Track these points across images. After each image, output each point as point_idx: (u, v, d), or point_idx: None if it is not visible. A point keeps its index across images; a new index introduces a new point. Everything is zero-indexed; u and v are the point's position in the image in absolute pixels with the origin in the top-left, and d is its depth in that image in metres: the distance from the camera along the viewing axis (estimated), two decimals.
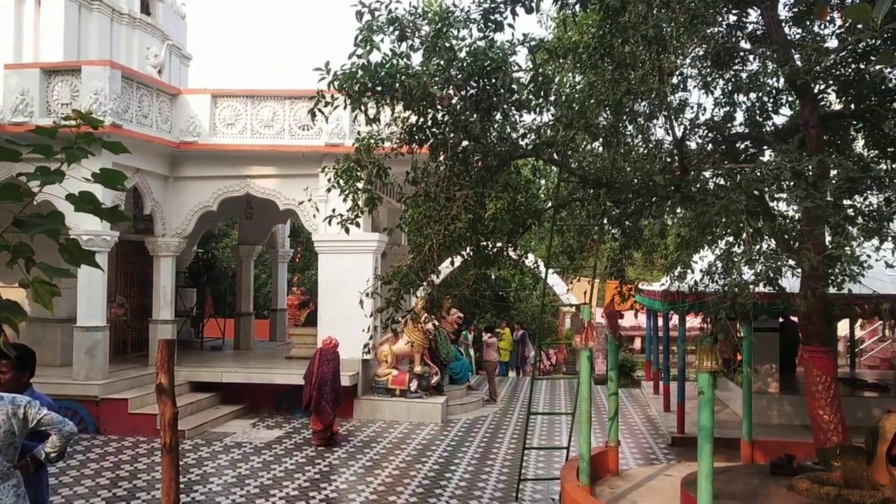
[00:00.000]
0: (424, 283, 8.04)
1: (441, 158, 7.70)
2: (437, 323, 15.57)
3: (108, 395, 13.22)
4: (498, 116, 7.57)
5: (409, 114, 7.57)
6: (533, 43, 7.45)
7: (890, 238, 7.17)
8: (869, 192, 7.52)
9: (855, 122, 9.48)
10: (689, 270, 9.05)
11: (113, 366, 14.35)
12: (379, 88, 7.03)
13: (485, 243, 8.42)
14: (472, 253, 8.53)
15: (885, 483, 8.15)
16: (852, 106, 8.98)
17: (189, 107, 15.22)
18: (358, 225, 7.84)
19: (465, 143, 7.68)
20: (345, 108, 7.18)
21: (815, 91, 8.65)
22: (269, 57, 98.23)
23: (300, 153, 15.04)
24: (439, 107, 7.39)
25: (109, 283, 14.52)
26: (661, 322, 18.63)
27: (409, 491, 9.79)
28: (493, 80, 6.94)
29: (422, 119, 7.51)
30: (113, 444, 12.23)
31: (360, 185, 7.52)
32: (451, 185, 7.28)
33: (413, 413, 14.74)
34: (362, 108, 7.08)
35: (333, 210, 7.69)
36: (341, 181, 7.50)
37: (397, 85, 6.90)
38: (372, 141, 7.52)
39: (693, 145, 9.27)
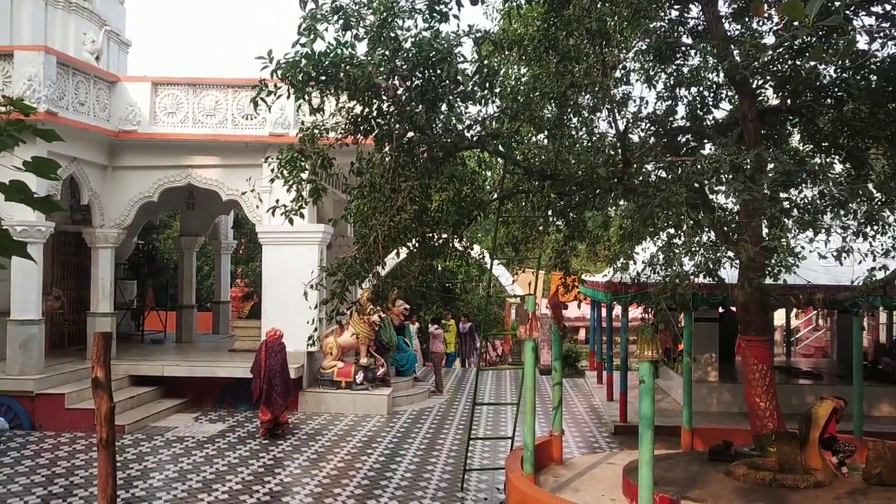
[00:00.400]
0: (370, 275, 8.02)
1: (386, 149, 7.68)
2: (382, 315, 15.55)
3: (44, 389, 12.88)
4: (443, 108, 7.58)
5: (353, 104, 7.53)
6: (478, 34, 7.47)
7: (823, 230, 7.38)
8: (804, 185, 7.72)
9: (791, 117, 9.74)
10: (631, 262, 9.19)
11: (49, 360, 13.98)
12: (323, 78, 6.97)
13: (430, 234, 8.43)
14: (417, 244, 8.53)
15: (817, 467, 8.43)
16: (788, 101, 9.22)
17: (128, 94, 14.86)
18: (302, 216, 7.77)
19: (410, 133, 7.68)
20: (288, 97, 7.10)
21: (753, 86, 8.86)
22: (212, 45, 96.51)
23: (244, 143, 14.83)
24: (384, 97, 7.37)
25: (45, 275, 14.14)
26: (604, 313, 18.92)
27: (354, 483, 9.77)
28: (439, 71, 6.94)
29: (367, 109, 7.47)
30: (49, 441, 11.93)
31: (304, 175, 7.46)
32: (396, 176, 7.27)
33: (359, 405, 14.69)
34: (306, 97, 7.02)
35: (277, 201, 7.61)
36: (285, 171, 7.43)
37: (342, 75, 6.86)
38: (316, 131, 7.46)
39: (636, 138, 9.42)
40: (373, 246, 7.26)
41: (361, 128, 7.58)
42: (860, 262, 8.31)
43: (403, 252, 9.30)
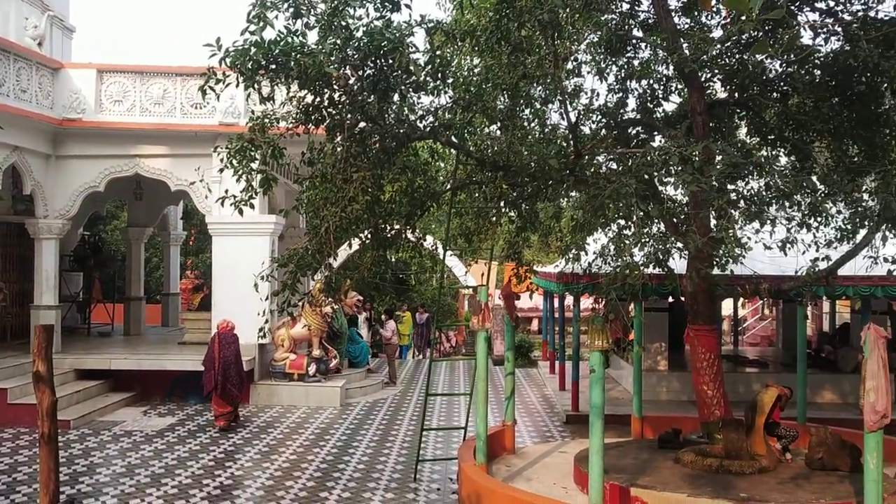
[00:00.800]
0: (322, 266, 7.97)
1: (338, 139, 7.63)
2: (335, 306, 15.46)
3: None
4: (396, 98, 7.54)
5: (304, 93, 7.45)
6: (430, 24, 7.45)
7: (769, 221, 7.54)
8: (750, 177, 7.87)
9: (738, 110, 9.92)
10: (583, 252, 9.27)
11: None
12: (273, 67, 6.88)
13: (383, 225, 8.40)
14: (370, 235, 8.49)
15: (762, 453, 8.64)
16: (736, 94, 9.39)
17: (73, 82, 14.49)
18: (252, 206, 7.68)
19: (362, 124, 7.63)
20: (237, 86, 6.99)
21: (702, 79, 8.99)
22: (161, 32, 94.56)
23: (192, 132, 14.57)
24: (336, 87, 7.31)
25: None
26: (557, 303, 19.08)
27: (306, 475, 9.72)
28: (391, 61, 6.90)
29: (318, 99, 7.41)
30: None
31: (254, 165, 7.36)
32: (348, 167, 7.23)
33: (311, 397, 14.61)
34: (256, 86, 6.92)
35: (226, 191, 7.51)
36: (235, 161, 7.33)
37: (292, 63, 6.78)
38: (266, 120, 7.37)
39: (587, 130, 9.49)
40: (324, 237, 7.20)
41: (312, 117, 7.51)
42: (804, 253, 8.52)
43: (356, 243, 9.25)
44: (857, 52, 8.06)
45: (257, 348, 14.44)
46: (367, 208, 7.34)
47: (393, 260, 22.69)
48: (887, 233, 8.23)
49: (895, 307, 16.17)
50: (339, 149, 7.48)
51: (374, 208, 7.76)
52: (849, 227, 8.69)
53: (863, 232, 8.37)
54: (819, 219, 8.42)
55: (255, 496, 8.84)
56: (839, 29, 8.31)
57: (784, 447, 9.03)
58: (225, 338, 12.76)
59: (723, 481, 8.03)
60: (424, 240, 9.46)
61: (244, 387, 12.96)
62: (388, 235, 8.65)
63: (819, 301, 20.75)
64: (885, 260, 8.27)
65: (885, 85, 8.36)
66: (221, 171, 7.56)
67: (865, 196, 8.48)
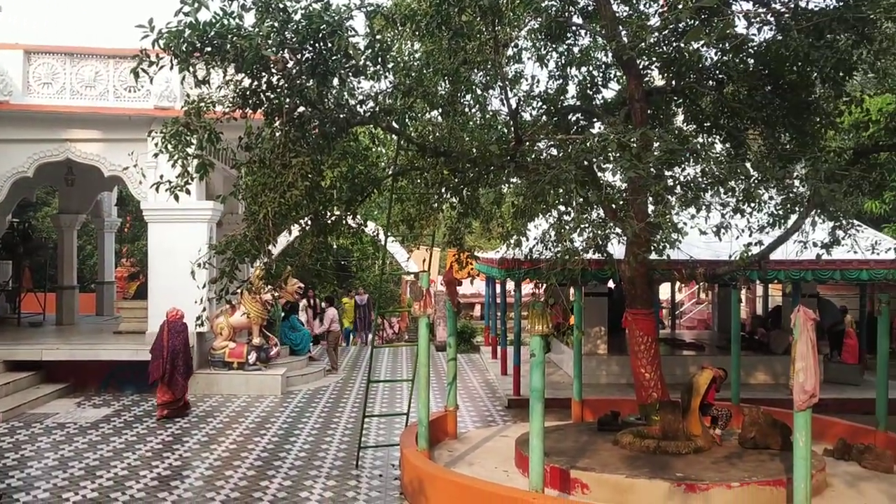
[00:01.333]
0: (261, 253, 7.86)
1: (276, 124, 7.51)
2: (276, 294, 15.29)
3: None
4: (335, 82, 7.45)
5: (241, 77, 7.31)
6: (370, 8, 7.38)
7: (704, 207, 7.70)
8: (687, 163, 8.01)
9: (675, 98, 10.09)
10: (524, 238, 9.33)
11: None
12: (208, 49, 6.74)
13: (323, 211, 8.32)
14: (309, 221, 8.41)
15: (697, 434, 8.87)
16: (673, 82, 9.54)
17: None
18: (188, 192, 7.52)
19: (301, 108, 7.53)
20: (171, 68, 6.82)
21: (640, 67, 9.11)
22: (94, 12, 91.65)
23: (126, 116, 14.20)
24: (274, 70, 7.19)
25: None
26: (499, 289, 19.22)
27: (247, 464, 9.61)
28: (330, 45, 6.82)
29: (255, 83, 7.28)
30: None
31: (190, 150, 7.20)
32: (286, 152, 7.12)
33: (252, 386, 14.44)
34: (190, 69, 6.76)
35: (161, 176, 7.34)
36: (170, 146, 7.16)
37: (228, 46, 6.64)
38: (202, 104, 7.21)
39: (528, 117, 9.55)
40: (263, 223, 7.10)
41: (250, 101, 7.38)
42: (737, 238, 8.72)
43: (296, 230, 9.15)
44: (789, 41, 8.27)
45: (196, 337, 14.20)
46: (306, 194, 7.26)
47: (335, 247, 22.57)
48: (816, 218, 8.48)
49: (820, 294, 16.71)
50: (277, 134, 7.37)
51: (314, 194, 7.68)
52: (780, 212, 8.94)
53: (794, 217, 8.61)
54: (752, 205, 8.63)
55: (193, 486, 8.71)
56: (772, 18, 8.49)
57: (716, 426, 9.30)
58: (174, 326, 12.57)
59: (660, 462, 8.22)
60: (365, 226, 9.41)
61: (190, 375, 12.83)
62: (329, 222, 8.57)
63: (752, 285, 21.33)
64: (815, 245, 8.52)
65: (815, 74, 8.61)
66: (156, 155, 7.38)
67: (796, 182, 8.73)
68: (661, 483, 7.54)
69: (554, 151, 8.70)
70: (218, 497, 8.31)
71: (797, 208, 8.45)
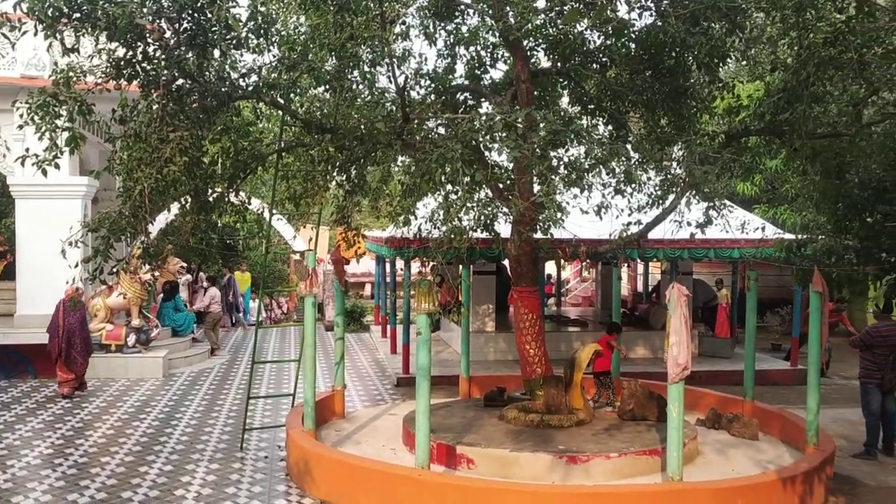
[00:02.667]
0: (139, 231, 7.55)
1: (153, 96, 7.20)
2: (156, 274, 14.74)
3: None
4: (216, 54, 7.21)
5: (115, 46, 6.97)
6: None
7: (587, 187, 7.91)
8: (571, 144, 8.20)
9: (561, 80, 10.29)
10: (412, 217, 9.35)
11: None
12: (77, 15, 6.38)
13: (204, 188, 8.06)
14: (189, 198, 8.14)
15: (579, 407, 9.17)
16: (559, 64, 9.73)
17: None
18: (58, 167, 7.12)
19: (179, 81, 7.25)
20: (36, 34, 6.43)
21: (527, 48, 9.24)
22: None
23: None
24: (150, 40, 6.88)
25: None
26: (388, 268, 19.22)
27: (125, 450, 9.28)
28: (209, 15, 6.58)
29: (130, 53, 6.95)
30: None
31: (59, 122, 6.82)
32: (164, 126, 6.85)
33: (131, 369, 13.92)
34: (57, 36, 6.39)
35: (27, 150, 6.92)
36: (37, 118, 6.76)
37: (99, 13, 6.31)
38: (72, 74, 6.83)
39: (416, 95, 9.53)
40: (139, 200, 6.82)
41: (124, 72, 7.05)
42: (617, 217, 9.02)
43: (176, 207, 8.84)
44: (667, 27, 8.57)
45: None
46: (185, 170, 7.00)
47: (220, 225, 21.92)
48: (691, 198, 8.86)
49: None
50: (154, 106, 7.07)
51: (194, 170, 7.42)
52: (658, 193, 9.31)
53: (671, 198, 8.97)
54: (632, 185, 8.95)
55: (66, 475, 8.35)
56: (651, 4, 8.77)
57: (609, 400, 9.75)
58: (68, 305, 12.41)
59: (543, 435, 8.46)
60: (250, 203, 9.19)
61: (89, 354, 12.72)
62: (210, 199, 8.32)
63: (633, 263, 22.11)
64: (689, 224, 8.90)
65: (692, 60, 8.96)
66: (21, 127, 6.97)
67: (674, 164, 9.10)
68: (544, 456, 7.76)
69: (442, 130, 8.73)
70: (93, 485, 8.00)
71: (674, 189, 8.82)
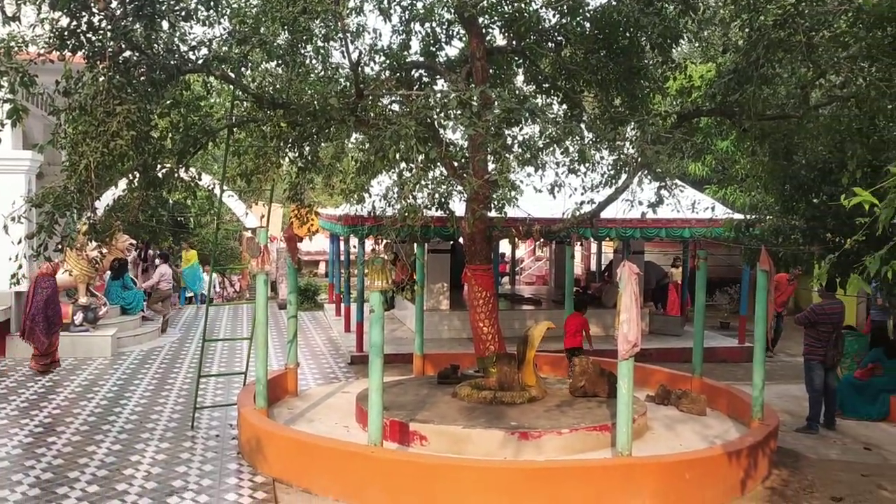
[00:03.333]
0: (85, 207, 7.38)
1: (99, 68, 7.01)
2: (104, 251, 14.45)
3: None
4: (164, 26, 7.05)
5: (59, 15, 6.77)
6: None
7: (541, 166, 7.94)
8: (525, 123, 8.22)
9: (516, 58, 10.29)
10: (366, 195, 9.30)
11: None
12: None
13: (152, 163, 7.90)
14: (138, 174, 7.97)
15: (532, 384, 9.27)
16: (514, 42, 9.72)
17: None
18: None
19: (127, 52, 7.08)
20: None
21: (482, 25, 9.21)
22: None
23: None
24: (95, 10, 6.70)
25: None
26: (342, 246, 19.13)
27: (72, 429, 9.13)
28: None
29: (74, 23, 6.76)
30: None
31: (0, 94, 6.62)
32: (110, 99, 6.68)
33: (79, 348, 13.66)
34: None
35: None
36: None
37: None
38: (13, 44, 6.62)
39: (370, 71, 9.44)
40: (85, 174, 6.66)
41: (68, 43, 6.85)
42: (570, 196, 9.09)
43: (124, 183, 8.66)
44: (621, 7, 8.62)
45: (13, 297, 13.26)
46: (133, 144, 6.85)
47: (170, 202, 21.54)
48: (644, 178, 8.96)
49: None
50: (100, 79, 6.87)
51: (142, 145, 7.27)
52: (611, 172, 9.39)
53: (624, 177, 9.06)
54: (586, 165, 9.01)
55: (11, 455, 8.18)
56: None
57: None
58: (39, 282, 12.49)
59: (496, 412, 8.54)
60: (200, 180, 9.04)
61: (54, 331, 12.62)
62: (159, 174, 8.17)
63: (586, 242, 22.34)
64: (640, 203, 9.00)
65: (645, 40, 9.04)
66: None
67: (627, 144, 9.18)
68: (497, 432, 7.84)
69: (396, 107, 8.68)
70: (38, 465, 7.86)
71: (626, 169, 8.90)
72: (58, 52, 6.89)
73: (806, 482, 7.87)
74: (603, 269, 20.13)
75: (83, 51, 6.93)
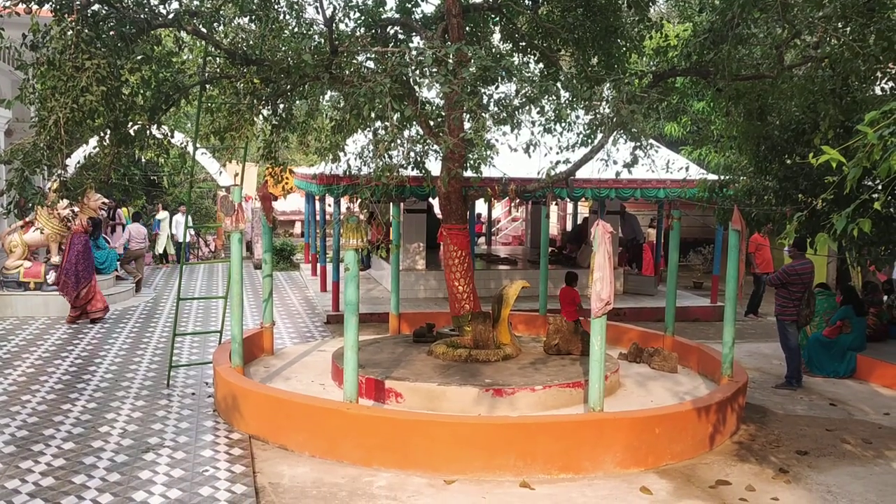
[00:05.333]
0: (55, 164, 7.29)
1: (68, 22, 6.88)
2: (76, 209, 14.33)
3: None
4: None
5: None
6: None
7: (517, 125, 7.94)
8: (501, 82, 8.19)
9: (493, 16, 10.22)
10: (342, 154, 9.25)
11: None
12: None
13: (123, 120, 7.80)
14: (109, 131, 7.87)
15: (506, 342, 9.36)
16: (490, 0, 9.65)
17: None
18: None
19: (95, 6, 6.95)
20: None
21: None
22: None
23: None
24: None
25: None
26: (318, 205, 19.06)
27: (46, 388, 9.12)
28: None
29: None
30: None
31: None
32: (79, 53, 6.57)
33: (52, 307, 13.58)
34: None
35: None
36: None
37: None
38: None
39: (345, 27, 9.34)
40: (54, 130, 6.57)
41: None
42: (546, 155, 9.10)
43: (95, 140, 8.55)
44: None
45: None
46: (103, 100, 6.75)
47: (143, 160, 21.30)
48: (619, 138, 8.98)
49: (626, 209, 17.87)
50: (68, 32, 6.76)
51: (113, 101, 7.16)
52: (587, 132, 9.40)
53: (599, 137, 9.08)
54: (562, 124, 9.02)
55: None
56: None
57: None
58: (73, 239, 13.14)
59: (470, 370, 8.63)
60: (172, 137, 8.94)
61: (83, 285, 13.03)
62: (131, 132, 8.06)
63: (562, 202, 22.41)
64: (615, 163, 9.03)
65: None
66: None
67: (603, 103, 9.18)
68: (471, 389, 7.94)
69: (371, 65, 8.61)
70: (13, 423, 7.86)
71: (601, 128, 8.92)
72: (24, 5, 6.75)
73: (773, 437, 8.07)
74: (574, 227, 20.17)
75: (50, 3, 6.79)
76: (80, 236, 13.24)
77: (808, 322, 10.34)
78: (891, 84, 8.30)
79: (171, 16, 7.49)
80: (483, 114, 7.58)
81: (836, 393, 9.83)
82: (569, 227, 22.79)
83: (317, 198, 18.24)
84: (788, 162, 9.34)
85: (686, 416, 7.52)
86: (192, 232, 22.08)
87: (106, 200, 16.97)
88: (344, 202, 14.40)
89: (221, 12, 7.68)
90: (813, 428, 8.39)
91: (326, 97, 9.69)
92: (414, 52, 7.27)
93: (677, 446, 7.39)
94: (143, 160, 21.37)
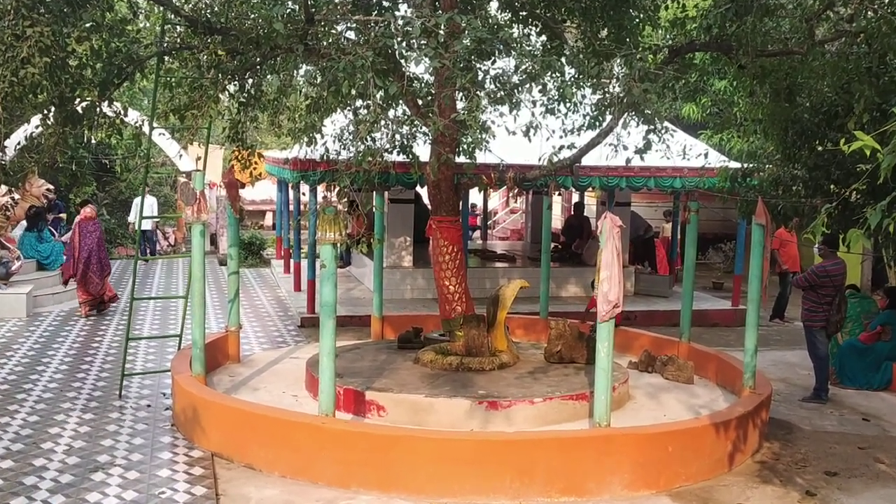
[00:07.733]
0: None
1: None
2: (16, 197, 14.28)
3: None
4: None
5: None
6: None
7: (516, 105, 7.94)
8: (499, 56, 8.18)
9: None
10: (318, 135, 9.23)
11: None
12: None
13: (70, 95, 7.75)
14: (53, 108, 7.82)
15: (503, 349, 9.39)
16: None
17: None
18: None
19: None
20: None
21: None
22: None
23: None
24: None
25: None
26: (292, 194, 19.03)
27: None
28: None
29: None
30: None
31: None
32: (20, 20, 6.52)
33: None
34: None
35: None
36: None
37: None
38: None
39: None
40: None
41: None
42: (548, 139, 9.10)
43: (38, 119, 8.51)
44: None
45: None
46: (47, 73, 6.70)
47: (93, 141, 21.16)
48: (630, 120, 8.99)
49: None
50: None
51: (58, 74, 7.10)
52: (595, 113, 9.41)
53: (608, 119, 9.08)
54: (566, 104, 9.02)
55: None
56: None
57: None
58: (86, 227, 14.09)
59: (462, 379, 8.65)
60: (126, 115, 8.89)
61: (106, 273, 14.37)
62: (79, 109, 8.02)
63: (567, 192, 22.42)
64: (626, 148, 9.02)
65: None
66: None
67: (613, 81, 9.19)
68: (462, 401, 7.95)
69: (351, 35, 8.59)
70: None
71: (611, 109, 8.92)
72: None
73: (799, 455, 8.12)
74: (568, 219, 20.18)
75: None
76: (93, 223, 14.25)
77: (838, 329, 10.36)
78: None
79: None
80: (478, 92, 7.57)
81: (870, 407, 9.89)
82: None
83: (290, 185, 18.20)
84: (819, 148, 9.37)
85: (702, 432, 7.55)
86: (152, 222, 21.98)
87: (51, 187, 16.90)
88: (321, 190, 14.37)
89: None
90: (843, 446, 8.44)
91: (301, 72, 9.65)
92: (400, 22, 7.25)
93: (692, 466, 7.42)
94: (93, 141, 21.22)
